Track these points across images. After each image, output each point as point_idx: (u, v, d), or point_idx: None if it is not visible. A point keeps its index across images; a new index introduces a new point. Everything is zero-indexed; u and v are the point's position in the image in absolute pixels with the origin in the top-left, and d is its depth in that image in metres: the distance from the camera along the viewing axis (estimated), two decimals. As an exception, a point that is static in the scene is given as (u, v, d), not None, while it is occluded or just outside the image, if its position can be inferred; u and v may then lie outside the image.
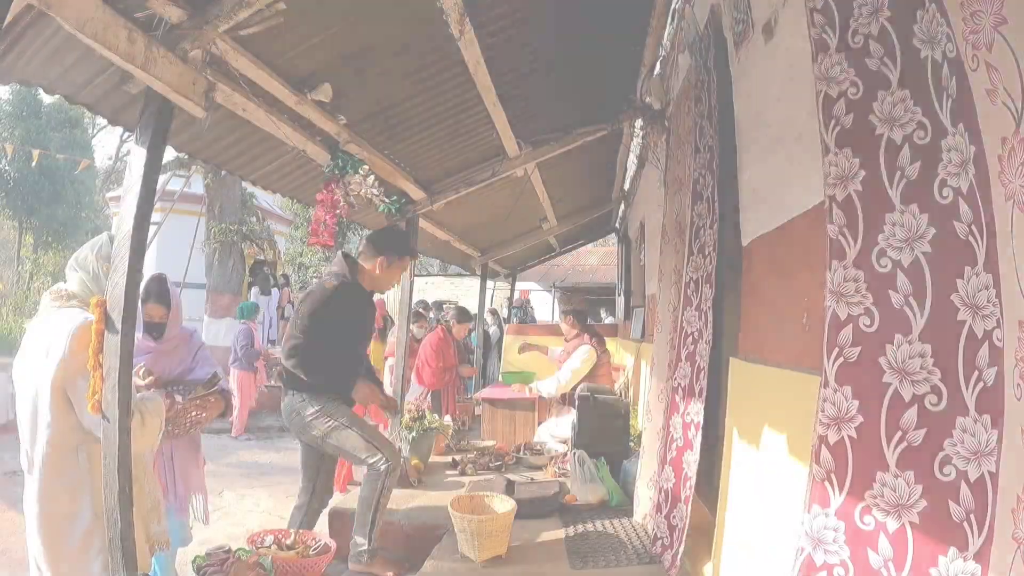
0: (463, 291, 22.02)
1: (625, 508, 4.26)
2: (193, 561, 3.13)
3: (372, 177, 4.07)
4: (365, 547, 3.49)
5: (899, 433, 1.40)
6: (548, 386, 5.97)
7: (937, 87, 1.36)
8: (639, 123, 5.40)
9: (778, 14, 2.20)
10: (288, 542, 3.41)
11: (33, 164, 14.75)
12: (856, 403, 1.50)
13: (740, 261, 2.82)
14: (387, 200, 4.88)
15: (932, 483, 1.33)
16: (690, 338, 3.11)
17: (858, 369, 1.51)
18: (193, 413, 3.19)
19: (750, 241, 2.64)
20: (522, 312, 14.23)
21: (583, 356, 5.89)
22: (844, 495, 1.51)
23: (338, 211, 3.94)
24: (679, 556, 3.11)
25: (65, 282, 2.63)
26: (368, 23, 3.16)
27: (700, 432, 2.96)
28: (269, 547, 3.34)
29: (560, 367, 6.10)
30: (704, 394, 2.93)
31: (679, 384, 3.19)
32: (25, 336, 2.55)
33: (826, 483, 1.55)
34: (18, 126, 24.11)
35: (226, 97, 3.05)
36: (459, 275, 19.13)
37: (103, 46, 2.20)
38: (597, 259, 20.76)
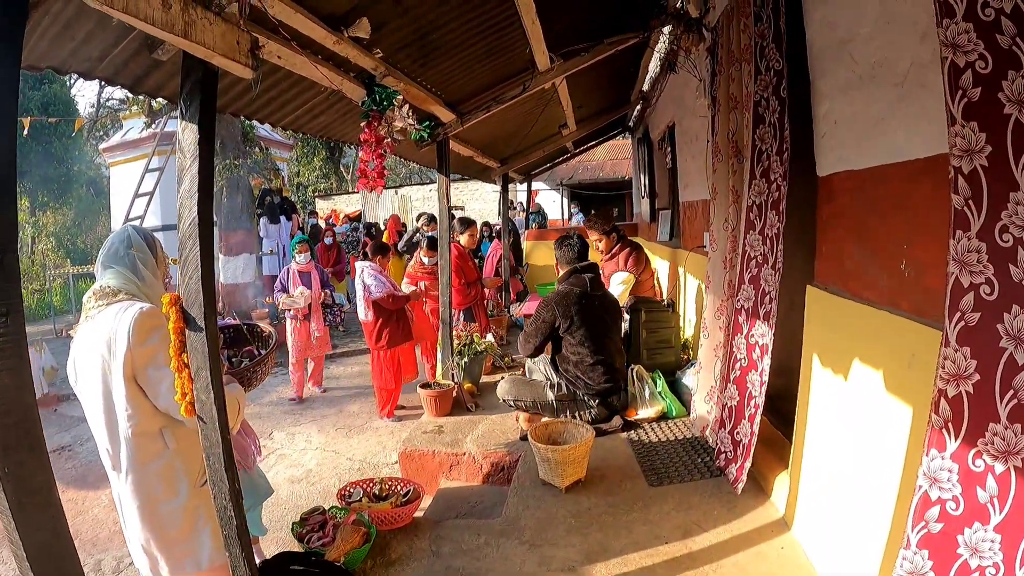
0: (468, 195, 21.94)
1: (683, 420, 4.44)
2: (292, 529, 3.27)
3: (407, 107, 4.01)
4: None
5: (1011, 392, 1.55)
6: None
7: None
8: (667, 28, 5.26)
9: (872, -53, 2.14)
10: (377, 491, 3.56)
11: (25, 134, 14.15)
12: (974, 363, 1.61)
13: (810, 188, 2.84)
14: (418, 127, 4.83)
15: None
16: (753, 261, 3.16)
17: (977, 333, 1.60)
18: (258, 374, 3.10)
19: (830, 173, 2.65)
20: (540, 217, 14.25)
21: (622, 286, 5.92)
22: (959, 441, 1.63)
23: (383, 148, 3.90)
24: (745, 470, 3.28)
25: (101, 281, 2.53)
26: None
27: (768, 355, 3.06)
28: (360, 500, 3.49)
29: None
30: (772, 318, 3.00)
31: (742, 306, 3.26)
32: (75, 340, 2.47)
33: (943, 430, 1.66)
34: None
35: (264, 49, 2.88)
36: (462, 179, 18.86)
37: (135, 17, 1.95)
38: (603, 153, 20.43)
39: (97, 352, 2.33)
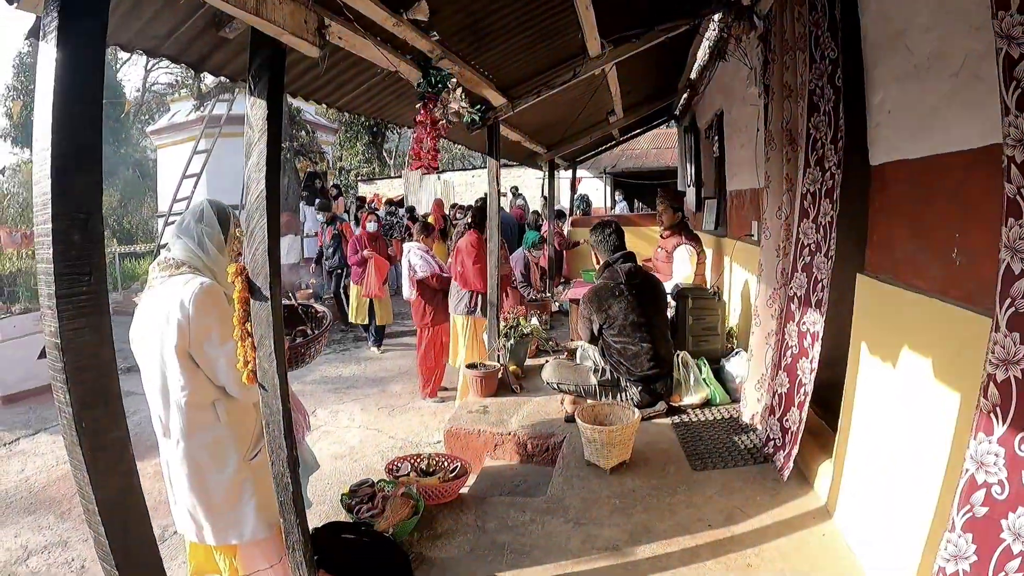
0: (510, 180, 22.01)
1: (727, 407, 4.47)
2: (341, 500, 3.36)
3: (460, 90, 4.06)
4: None
5: (1059, 376, 1.56)
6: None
7: None
8: (717, 16, 5.24)
9: (929, -61, 2.15)
10: (424, 466, 3.66)
11: None
12: (1024, 348, 1.62)
13: (862, 177, 2.84)
14: (471, 110, 4.90)
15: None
16: (807, 249, 3.17)
17: (1028, 319, 1.62)
18: (310, 351, 3.12)
19: (883, 162, 2.65)
20: (584, 203, 14.28)
21: (687, 256, 5.89)
22: (1007, 426, 1.65)
23: (438, 131, 3.97)
24: (792, 457, 3.31)
25: (169, 251, 2.60)
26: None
27: (818, 343, 3.08)
28: (408, 475, 3.59)
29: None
30: (824, 306, 3.01)
31: (795, 293, 3.28)
32: (138, 308, 2.54)
33: (991, 415, 1.69)
34: None
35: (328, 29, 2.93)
36: (505, 165, 18.96)
37: None
38: (647, 142, 20.27)
39: (156, 321, 2.39)
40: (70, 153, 1.53)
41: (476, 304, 6.40)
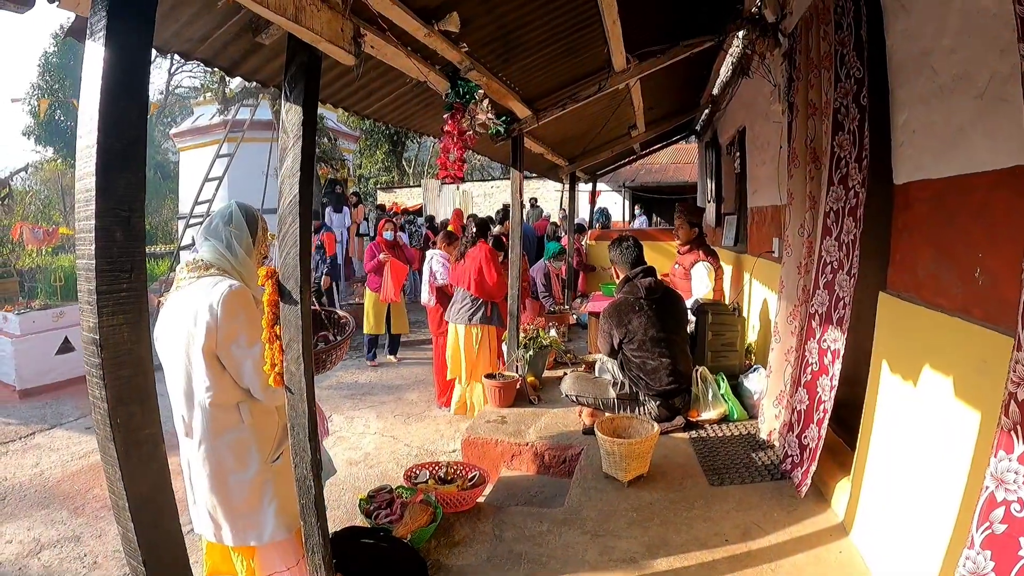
0: (529, 192, 22.12)
1: (745, 422, 4.47)
2: (359, 505, 3.39)
3: (487, 101, 4.11)
4: None
5: (1080, 396, 1.56)
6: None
7: None
8: (742, 32, 5.28)
9: (956, -37, 2.18)
10: (442, 474, 3.69)
11: None
12: (1046, 366, 1.63)
13: (886, 196, 2.86)
14: (497, 121, 4.95)
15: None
16: (828, 267, 3.18)
17: (1049, 337, 1.63)
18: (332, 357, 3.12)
19: (907, 182, 2.67)
20: (604, 217, 14.32)
21: (705, 274, 5.92)
22: (1027, 444, 1.66)
23: (464, 141, 4.02)
24: (810, 474, 3.30)
25: (197, 252, 2.63)
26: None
27: (839, 360, 3.09)
28: (427, 482, 3.61)
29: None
30: (845, 323, 3.02)
31: (816, 311, 3.29)
32: (164, 308, 2.57)
33: (1012, 433, 1.69)
34: (68, 76, 24.19)
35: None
36: (526, 177, 19.03)
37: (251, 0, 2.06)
38: (667, 156, 20.30)
39: (182, 321, 2.42)
40: (116, 150, 1.56)
41: (492, 314, 6.38)
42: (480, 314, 6.32)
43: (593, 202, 13.84)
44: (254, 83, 3.42)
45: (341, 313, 3.39)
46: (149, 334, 1.76)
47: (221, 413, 2.46)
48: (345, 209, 14.65)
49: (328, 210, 14.37)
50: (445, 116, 3.99)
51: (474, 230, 6.59)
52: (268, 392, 2.46)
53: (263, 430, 2.56)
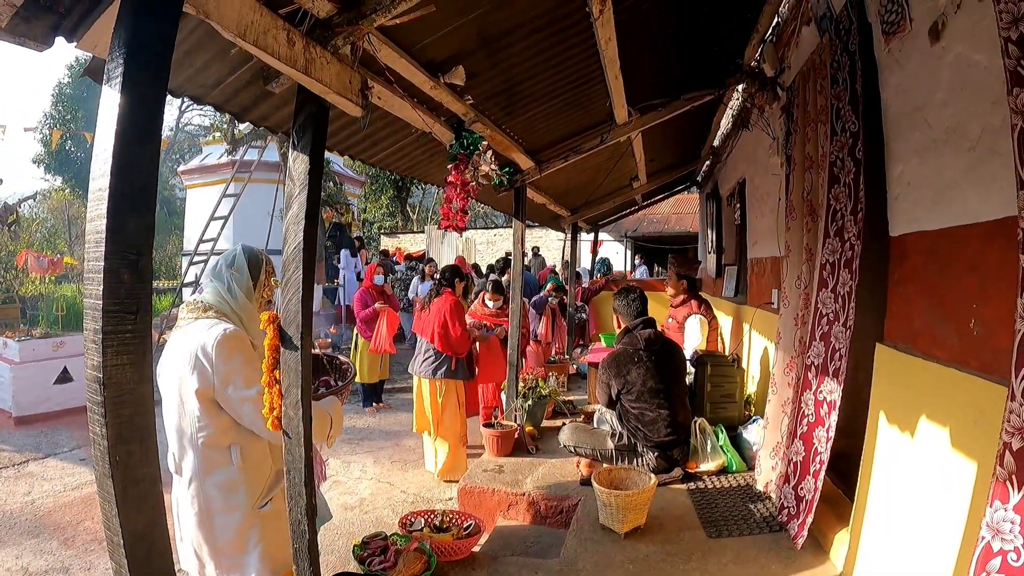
0: (531, 240, 22.27)
1: (743, 474, 4.43)
2: (353, 551, 3.35)
3: (490, 152, 4.18)
4: None
5: (1074, 446, 1.58)
6: None
7: None
8: (741, 86, 5.39)
9: (947, 19, 2.23)
10: (438, 522, 3.65)
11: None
12: (1040, 417, 1.64)
13: (881, 248, 2.88)
14: (500, 172, 5.01)
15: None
16: (825, 319, 3.20)
17: (1044, 387, 1.64)
18: None
19: (902, 234, 2.70)
20: (605, 267, 14.38)
21: (699, 328, 5.97)
22: (1022, 494, 1.66)
23: (467, 192, 4.07)
24: (807, 526, 3.27)
25: (200, 292, 2.66)
26: (510, 5, 3.15)
27: (835, 412, 3.08)
28: (422, 530, 3.58)
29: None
30: (841, 375, 3.02)
31: (812, 362, 3.29)
32: (167, 345, 2.60)
33: (1007, 483, 1.70)
34: (80, 107, 24.50)
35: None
36: (528, 226, 19.20)
37: (263, 51, 2.11)
38: (668, 207, 20.48)
39: (179, 361, 2.46)
40: (127, 194, 1.60)
41: (456, 367, 6.17)
42: (444, 368, 6.11)
43: (595, 252, 13.94)
44: (241, 129, 3.49)
45: (343, 359, 3.39)
46: (152, 373, 1.77)
47: (213, 453, 2.47)
48: (344, 252, 14.78)
49: (344, 253, 14.51)
50: (449, 166, 4.05)
51: (443, 276, 6.45)
52: (272, 431, 2.47)
53: (253, 474, 2.56)
